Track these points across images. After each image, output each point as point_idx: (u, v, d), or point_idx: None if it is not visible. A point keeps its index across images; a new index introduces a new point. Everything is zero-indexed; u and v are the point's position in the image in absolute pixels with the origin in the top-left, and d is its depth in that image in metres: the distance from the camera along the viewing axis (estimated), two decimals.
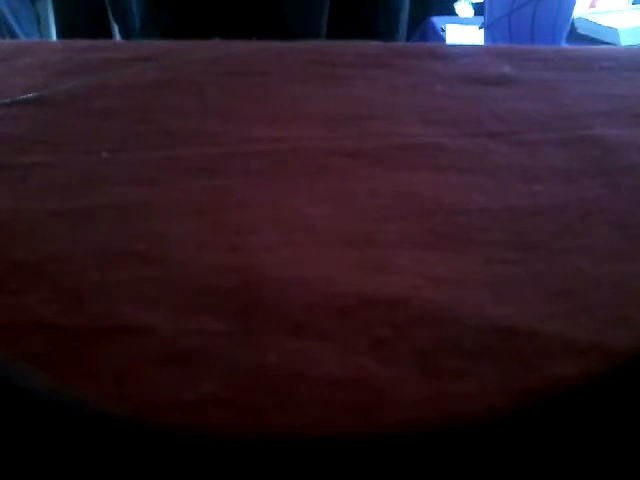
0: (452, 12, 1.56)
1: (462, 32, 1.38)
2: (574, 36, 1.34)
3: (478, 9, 1.52)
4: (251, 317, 0.28)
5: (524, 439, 0.20)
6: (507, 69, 0.55)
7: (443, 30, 1.41)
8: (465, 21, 1.49)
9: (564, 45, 1.06)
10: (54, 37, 1.36)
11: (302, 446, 0.20)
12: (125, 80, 0.51)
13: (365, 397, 0.25)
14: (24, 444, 0.20)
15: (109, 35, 1.32)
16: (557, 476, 0.20)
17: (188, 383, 0.25)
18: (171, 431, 0.21)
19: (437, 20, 1.48)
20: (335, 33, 0.78)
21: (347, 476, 0.20)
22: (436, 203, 0.36)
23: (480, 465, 0.20)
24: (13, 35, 1.26)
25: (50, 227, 0.34)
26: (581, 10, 1.39)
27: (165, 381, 0.25)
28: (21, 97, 0.48)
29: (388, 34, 0.84)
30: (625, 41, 1.28)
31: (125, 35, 1.18)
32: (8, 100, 0.47)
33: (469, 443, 0.20)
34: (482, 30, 1.19)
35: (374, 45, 0.62)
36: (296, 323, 0.28)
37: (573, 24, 1.34)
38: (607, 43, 1.31)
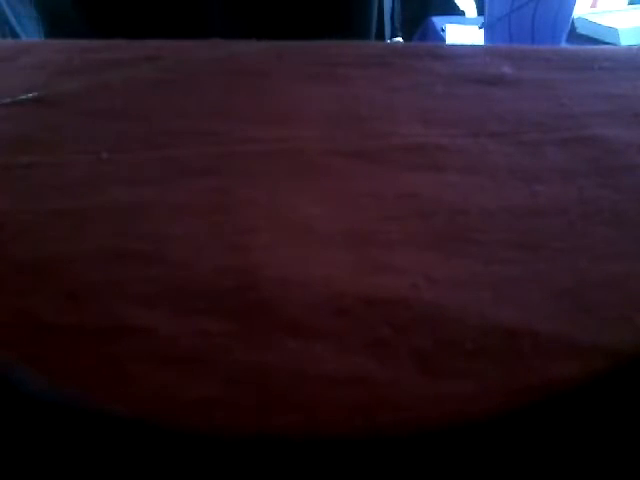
0: (452, 12, 1.56)
1: (462, 32, 1.38)
2: (574, 36, 1.34)
3: (476, 8, 1.52)
4: (251, 317, 0.28)
5: (524, 439, 0.20)
6: (507, 69, 0.55)
7: (443, 30, 1.41)
8: (465, 21, 1.49)
9: (564, 45, 1.06)
10: None
11: (302, 446, 0.20)
12: (125, 80, 0.51)
13: (365, 397, 0.25)
14: (24, 444, 0.20)
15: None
16: (557, 476, 0.20)
17: (188, 383, 0.25)
18: (171, 431, 0.21)
19: (437, 20, 1.47)
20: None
21: (347, 476, 0.20)
22: (436, 203, 0.36)
23: (480, 465, 0.20)
24: (14, 35, 1.26)
25: (50, 227, 0.34)
26: (581, 10, 1.39)
27: (165, 381, 0.25)
28: (21, 97, 0.48)
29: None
30: (625, 41, 1.28)
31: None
32: (8, 100, 0.47)
33: (469, 443, 0.20)
34: (482, 30, 1.19)
35: (374, 45, 0.62)
36: (296, 323, 0.28)
37: (573, 24, 1.34)
38: (607, 43, 1.30)
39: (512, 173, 0.40)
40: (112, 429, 0.21)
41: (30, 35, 1.31)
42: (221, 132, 0.44)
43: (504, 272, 0.31)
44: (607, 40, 1.32)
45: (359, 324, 0.28)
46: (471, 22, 1.45)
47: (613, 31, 1.31)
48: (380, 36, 0.87)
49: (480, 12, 1.39)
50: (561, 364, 0.26)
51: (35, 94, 0.48)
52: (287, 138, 0.43)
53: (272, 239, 0.33)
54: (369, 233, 0.34)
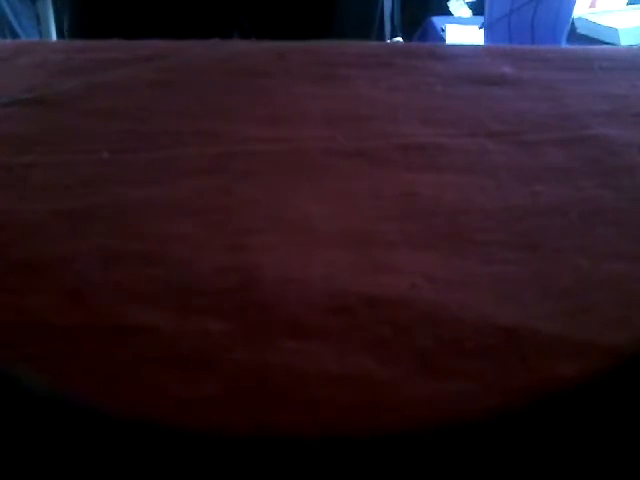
0: (451, 12, 1.56)
1: (462, 32, 1.38)
2: (574, 36, 1.34)
3: (475, 9, 1.52)
4: (251, 317, 0.28)
5: (524, 438, 0.20)
6: (507, 69, 0.55)
7: (443, 30, 1.41)
8: (465, 21, 1.49)
9: (564, 45, 1.06)
10: (54, 37, 1.35)
11: (302, 445, 0.21)
12: (125, 80, 0.51)
13: (365, 397, 0.25)
14: (26, 442, 0.20)
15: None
16: (557, 475, 0.20)
17: (188, 383, 0.25)
18: (171, 431, 0.21)
19: (437, 20, 1.47)
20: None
21: (347, 475, 0.20)
22: (436, 203, 0.36)
23: (480, 464, 0.20)
24: (14, 35, 1.26)
25: (50, 227, 0.34)
26: (581, 10, 1.39)
27: (165, 381, 0.25)
28: (21, 97, 0.48)
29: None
30: (625, 41, 1.28)
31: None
32: (8, 100, 0.47)
33: (469, 443, 0.20)
34: (482, 30, 1.19)
35: (374, 45, 0.62)
36: (296, 323, 0.28)
37: (573, 24, 1.34)
38: (607, 43, 1.30)
39: (512, 173, 0.40)
40: (112, 428, 0.21)
41: (30, 35, 1.31)
42: (221, 132, 0.44)
43: (504, 272, 0.31)
44: (607, 40, 1.32)
45: (359, 324, 0.28)
46: (471, 22, 1.45)
47: (613, 31, 1.31)
48: (380, 36, 0.87)
49: (480, 12, 1.39)
50: (561, 364, 0.26)
51: (35, 94, 0.48)
52: (287, 138, 0.43)
53: (272, 239, 0.33)
54: (369, 233, 0.34)
